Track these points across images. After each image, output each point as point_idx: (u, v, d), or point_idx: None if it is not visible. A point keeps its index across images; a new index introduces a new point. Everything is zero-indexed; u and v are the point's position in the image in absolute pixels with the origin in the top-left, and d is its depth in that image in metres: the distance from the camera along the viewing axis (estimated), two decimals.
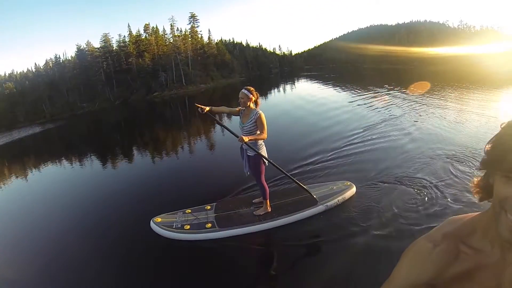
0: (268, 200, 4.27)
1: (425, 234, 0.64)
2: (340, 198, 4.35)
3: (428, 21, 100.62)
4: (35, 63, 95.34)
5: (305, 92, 22.34)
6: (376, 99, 14.35)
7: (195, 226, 4.31)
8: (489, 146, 0.59)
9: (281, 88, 29.60)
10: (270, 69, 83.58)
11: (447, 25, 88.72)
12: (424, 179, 4.87)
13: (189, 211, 4.72)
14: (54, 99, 67.81)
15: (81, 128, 31.92)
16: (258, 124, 3.74)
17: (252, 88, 3.88)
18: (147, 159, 10.12)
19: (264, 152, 3.95)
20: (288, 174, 4.28)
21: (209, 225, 4.24)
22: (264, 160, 3.98)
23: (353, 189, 4.58)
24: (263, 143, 3.95)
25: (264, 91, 28.07)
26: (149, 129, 18.74)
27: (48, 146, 23.97)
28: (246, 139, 3.55)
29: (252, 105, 3.85)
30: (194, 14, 67.33)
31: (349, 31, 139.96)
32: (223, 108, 4.05)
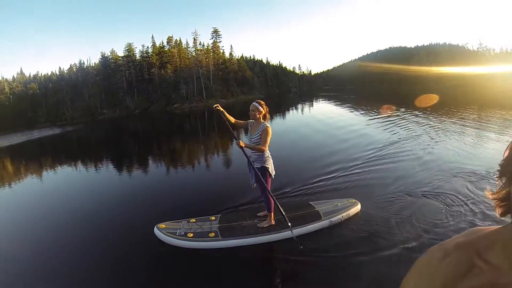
0: (272, 213, 4.30)
1: (440, 243, 0.61)
2: (344, 214, 4.39)
3: (447, 43, 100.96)
4: (60, 67, 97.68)
5: (323, 113, 22.02)
6: (392, 120, 14.38)
7: (198, 234, 4.35)
8: (510, 150, 0.55)
9: (299, 108, 29.63)
10: (289, 88, 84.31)
11: (466, 48, 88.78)
12: (431, 199, 4.93)
13: (194, 220, 4.78)
14: (75, 103, 69.84)
15: (100, 133, 32.52)
16: (262, 135, 3.81)
17: (262, 102, 4.01)
18: (159, 167, 10.36)
19: (270, 165, 4.01)
20: (270, 193, 4.13)
21: (212, 234, 4.28)
22: (270, 172, 4.03)
23: (358, 207, 4.61)
24: (269, 156, 4.01)
25: (282, 110, 28.21)
26: (166, 139, 18.96)
27: (65, 148, 24.51)
28: (242, 144, 3.68)
29: (261, 118, 3.95)
30: (217, 29, 69.26)
31: (368, 53, 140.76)
32: (232, 119, 4.13)
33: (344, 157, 8.00)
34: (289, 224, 3.87)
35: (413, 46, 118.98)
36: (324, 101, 35.42)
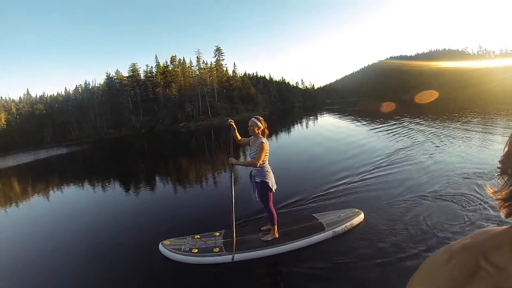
0: (276, 226, 4.31)
1: (447, 244, 0.59)
2: (347, 224, 4.43)
3: (447, 49, 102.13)
4: (65, 88, 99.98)
5: (327, 126, 22.11)
6: (394, 129, 14.68)
7: (203, 250, 4.36)
8: (510, 145, 0.53)
9: (304, 122, 29.49)
10: (293, 103, 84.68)
11: (466, 52, 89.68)
12: (437, 203, 5.03)
13: (198, 236, 4.80)
14: (81, 123, 70.86)
15: (106, 152, 32.81)
16: (257, 150, 3.85)
17: (261, 118, 4.09)
18: (164, 185, 10.45)
19: (270, 179, 4.04)
20: (233, 211, 4.16)
21: (217, 249, 4.29)
22: (271, 187, 4.06)
23: (361, 216, 4.66)
24: (269, 170, 4.05)
25: (287, 125, 28.30)
26: (172, 158, 19.11)
27: (71, 167, 24.73)
28: (234, 161, 3.92)
29: (260, 134, 4.01)
30: (219, 47, 70.17)
31: (370, 64, 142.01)
32: (238, 136, 4.30)
33: (347, 168, 8.10)
34: (234, 248, 3.99)
35: (413, 54, 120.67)
36: (328, 115, 35.49)
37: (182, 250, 4.45)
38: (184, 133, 40.78)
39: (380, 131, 14.44)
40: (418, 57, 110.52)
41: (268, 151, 3.98)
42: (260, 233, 4.55)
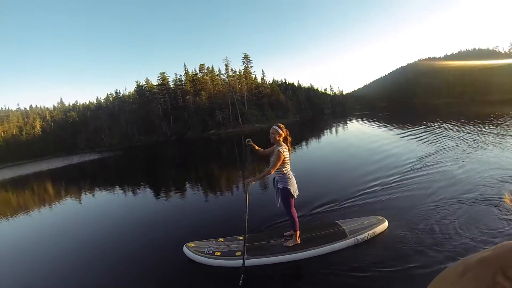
0: (298, 232, 4.30)
1: (466, 257, 0.51)
2: (370, 232, 4.32)
3: (477, 49, 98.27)
4: (97, 96, 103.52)
5: (356, 132, 21.59)
6: (425, 134, 14.20)
7: (225, 253, 4.44)
8: None
9: (333, 129, 28.48)
10: (322, 109, 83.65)
11: (497, 51, 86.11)
12: (467, 211, 4.75)
13: (222, 240, 4.87)
14: (113, 130, 72.42)
15: (137, 158, 33.31)
16: (274, 157, 3.86)
17: (282, 125, 4.08)
18: (192, 190, 10.58)
19: (292, 185, 4.04)
20: (246, 214, 4.12)
21: (239, 253, 4.33)
22: (292, 193, 4.04)
23: (385, 224, 4.52)
24: (291, 176, 4.05)
25: (317, 132, 27.81)
26: (202, 164, 19.30)
27: (102, 172, 25.42)
28: (249, 180, 3.88)
29: (282, 141, 4.02)
30: (247, 55, 70.24)
31: (397, 67, 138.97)
32: (260, 150, 4.27)
33: (375, 174, 7.91)
34: (245, 255, 3.95)
35: (442, 55, 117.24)
36: (357, 121, 34.89)
37: (205, 252, 4.55)
38: (214, 141, 40.79)
39: (410, 136, 14.09)
40: (447, 58, 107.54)
41: (286, 158, 3.97)
42: (282, 238, 4.56)
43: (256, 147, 4.25)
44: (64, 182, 21.69)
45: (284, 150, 3.96)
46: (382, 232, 4.44)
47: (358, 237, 4.24)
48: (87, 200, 11.98)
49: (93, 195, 12.84)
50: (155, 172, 18.05)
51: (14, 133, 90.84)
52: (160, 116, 66.20)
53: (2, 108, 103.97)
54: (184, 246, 4.84)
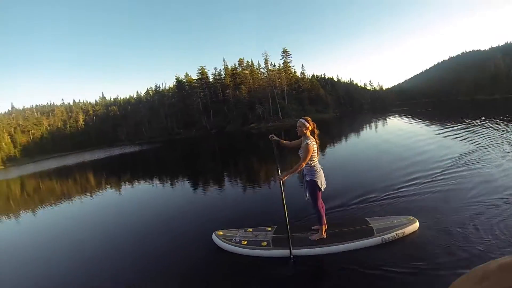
0: (324, 226, 4.33)
1: (485, 263, 0.52)
2: (399, 232, 4.19)
3: None
4: (137, 91, 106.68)
5: (397, 128, 20.80)
6: (466, 132, 13.50)
7: (252, 242, 4.55)
8: None
9: (373, 124, 27.71)
10: (361, 104, 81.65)
11: None
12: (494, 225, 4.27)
13: (250, 230, 5.00)
14: (152, 124, 74.35)
15: (176, 151, 33.98)
16: (303, 151, 3.91)
17: (309, 118, 4.11)
18: (228, 182, 10.91)
19: (319, 178, 4.06)
20: (284, 204, 4.18)
21: (265, 243, 4.45)
22: (319, 186, 4.06)
23: (415, 225, 4.34)
24: (319, 169, 4.07)
25: (356, 127, 27.33)
26: (240, 157, 19.52)
27: (142, 163, 26.21)
28: (282, 177, 3.97)
29: (309, 133, 4.05)
30: (286, 49, 69.32)
31: (440, 61, 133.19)
32: (287, 143, 4.39)
33: (412, 172, 7.60)
34: (290, 240, 4.07)
35: (487, 48, 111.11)
36: (397, 117, 33.85)
37: (232, 240, 4.69)
38: (254, 134, 40.96)
39: (450, 134, 13.44)
40: (493, 51, 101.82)
41: (315, 151, 4.01)
42: (309, 232, 4.56)
43: (282, 141, 4.32)
44: (105, 173, 22.94)
45: (312, 142, 4.00)
46: (412, 233, 4.28)
47: (385, 236, 4.15)
48: (125, 190, 12.54)
49: (132, 185, 13.47)
50: (193, 164, 18.68)
51: (59, 126, 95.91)
52: (199, 110, 66.96)
53: (47, 103, 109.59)
54: (213, 234, 5.04)
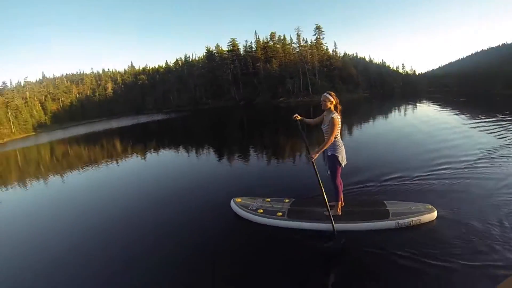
0: (340, 203, 4.41)
1: None
2: (415, 219, 4.15)
3: None
4: (166, 61, 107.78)
5: (426, 115, 19.52)
6: (502, 127, 12.19)
7: (267, 212, 4.71)
8: None
9: (402, 108, 26.81)
10: (393, 87, 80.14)
11: None
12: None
13: (269, 199, 5.16)
14: (181, 93, 75.72)
15: (203, 120, 34.74)
16: (329, 126, 4.03)
17: (333, 93, 4.19)
18: (253, 153, 11.25)
19: (341, 153, 4.17)
20: (320, 182, 4.06)
21: (280, 214, 4.59)
22: (340, 161, 4.18)
23: (433, 214, 4.26)
24: (341, 144, 4.17)
25: (385, 109, 26.64)
26: (267, 129, 19.68)
27: (168, 131, 26.93)
28: (313, 154, 3.98)
29: (332, 108, 4.14)
30: (319, 26, 68.19)
31: (478, 51, 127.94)
32: (310, 120, 4.48)
33: (440, 159, 7.37)
34: (331, 216, 3.93)
35: None
36: (428, 103, 32.18)
37: (249, 208, 4.89)
38: (283, 108, 41.00)
39: (483, 127, 12.36)
40: None
41: (339, 126, 4.08)
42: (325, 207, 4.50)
43: (305, 119, 4.40)
44: (131, 140, 23.58)
45: (338, 116, 4.07)
46: (428, 222, 4.21)
47: (400, 221, 4.13)
48: (150, 157, 13.12)
49: (157, 152, 14.13)
50: (219, 134, 19.55)
51: (88, 94, 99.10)
52: (229, 81, 67.55)
53: (77, 72, 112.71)
54: (232, 200, 5.27)
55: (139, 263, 4.13)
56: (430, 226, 4.15)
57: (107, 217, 6.16)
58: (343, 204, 4.50)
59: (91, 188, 8.99)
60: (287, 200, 5.11)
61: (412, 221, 4.14)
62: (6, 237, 6.04)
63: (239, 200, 5.28)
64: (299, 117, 4.30)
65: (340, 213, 4.39)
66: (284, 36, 70.81)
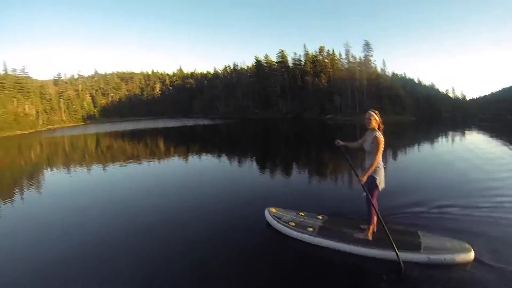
0: (371, 227, 4.36)
1: None
2: (449, 257, 3.89)
3: None
4: (214, 67, 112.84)
5: (477, 144, 17.83)
6: None
7: (299, 225, 4.81)
8: None
9: (451, 135, 24.73)
10: (440, 112, 79.03)
11: None
12: None
13: (303, 214, 5.26)
14: (228, 100, 78.71)
15: (249, 129, 35.45)
16: (374, 145, 4.06)
17: (376, 112, 4.28)
18: (293, 165, 11.78)
19: (379, 176, 4.15)
20: (374, 206, 4.16)
21: (311, 229, 4.67)
22: (377, 184, 4.13)
23: (470, 254, 3.94)
24: (380, 166, 4.16)
25: (432, 135, 25.10)
26: (311, 145, 19.70)
27: (214, 136, 27.98)
28: (364, 178, 4.01)
29: (376, 127, 4.19)
30: (368, 42, 67.94)
31: None
32: (353, 144, 4.54)
33: (483, 194, 6.94)
34: (394, 245, 3.79)
35: None
36: (479, 132, 29.47)
37: (282, 220, 5.06)
38: (330, 125, 40.66)
39: None
40: None
41: (383, 145, 4.07)
42: (357, 229, 4.64)
43: (348, 144, 4.50)
44: (175, 141, 24.89)
45: (381, 135, 4.10)
46: (463, 262, 3.93)
47: (432, 256, 3.93)
48: (192, 160, 13.80)
49: (199, 156, 14.80)
50: (264, 144, 20.34)
51: (136, 92, 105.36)
52: (277, 93, 69.54)
53: (127, 71, 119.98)
54: (266, 209, 5.47)
55: (172, 264, 4.34)
56: (464, 267, 3.88)
57: (143, 215, 6.44)
58: (375, 229, 4.42)
59: (130, 184, 9.57)
60: (320, 217, 5.17)
61: (445, 258, 3.91)
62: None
63: (273, 210, 5.43)
64: (341, 143, 4.43)
65: (370, 238, 4.34)
66: (333, 51, 71.94)
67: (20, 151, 26.13)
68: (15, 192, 9.55)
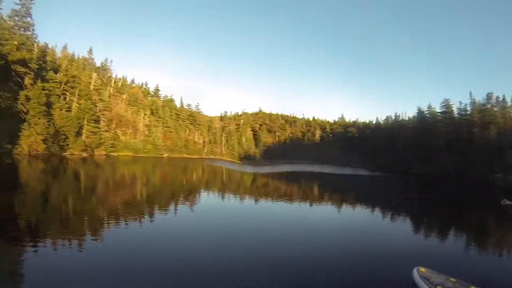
0: None
1: None
2: None
3: None
4: (376, 117, 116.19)
5: None
6: None
7: None
8: None
9: None
10: None
11: None
12: None
13: (453, 280, 5.02)
14: (388, 152, 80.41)
15: (408, 185, 35.04)
16: None
17: None
18: (451, 227, 11.69)
19: None
20: None
21: None
22: None
23: None
24: None
25: None
26: (474, 207, 19.60)
27: (369, 188, 29.40)
28: None
29: None
30: None
31: None
32: None
33: None
34: None
35: None
36: None
37: (429, 281, 4.98)
38: (498, 187, 36.66)
39: None
40: None
41: None
42: None
43: None
44: (329, 188, 26.55)
45: None
46: None
47: None
48: (343, 210, 14.15)
49: (352, 207, 15.15)
50: (421, 201, 20.13)
51: (298, 136, 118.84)
52: (440, 146, 66.86)
53: (290, 114, 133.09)
54: (415, 268, 5.49)
55: None
56: None
57: (282, 252, 6.95)
58: None
59: (273, 219, 10.18)
60: (473, 287, 4.87)
61: None
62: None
63: (423, 270, 5.39)
64: (507, 202, 5.69)
65: None
66: (503, 97, 66.41)
67: (184, 171, 32.48)
68: (170, 204, 11.37)
